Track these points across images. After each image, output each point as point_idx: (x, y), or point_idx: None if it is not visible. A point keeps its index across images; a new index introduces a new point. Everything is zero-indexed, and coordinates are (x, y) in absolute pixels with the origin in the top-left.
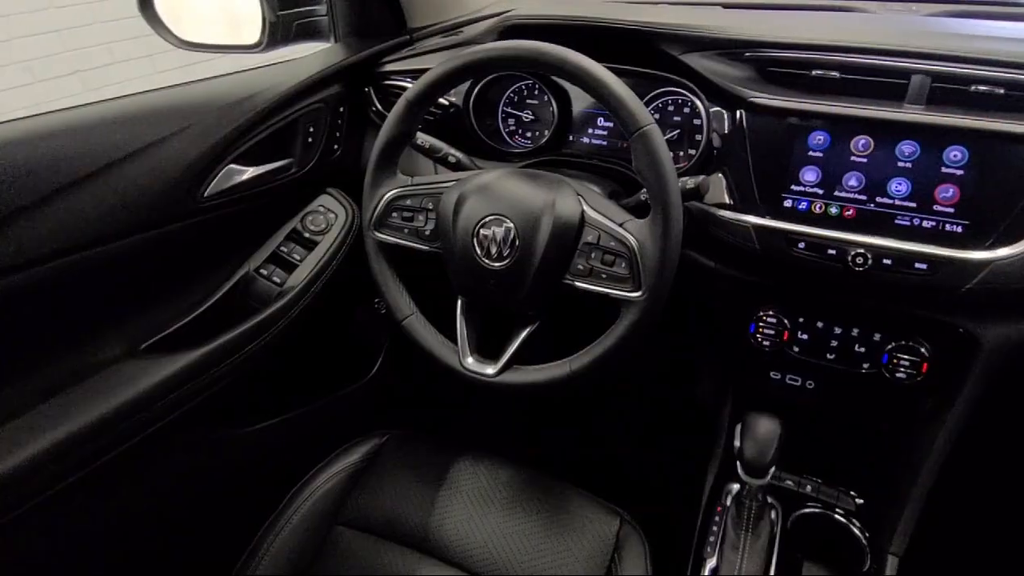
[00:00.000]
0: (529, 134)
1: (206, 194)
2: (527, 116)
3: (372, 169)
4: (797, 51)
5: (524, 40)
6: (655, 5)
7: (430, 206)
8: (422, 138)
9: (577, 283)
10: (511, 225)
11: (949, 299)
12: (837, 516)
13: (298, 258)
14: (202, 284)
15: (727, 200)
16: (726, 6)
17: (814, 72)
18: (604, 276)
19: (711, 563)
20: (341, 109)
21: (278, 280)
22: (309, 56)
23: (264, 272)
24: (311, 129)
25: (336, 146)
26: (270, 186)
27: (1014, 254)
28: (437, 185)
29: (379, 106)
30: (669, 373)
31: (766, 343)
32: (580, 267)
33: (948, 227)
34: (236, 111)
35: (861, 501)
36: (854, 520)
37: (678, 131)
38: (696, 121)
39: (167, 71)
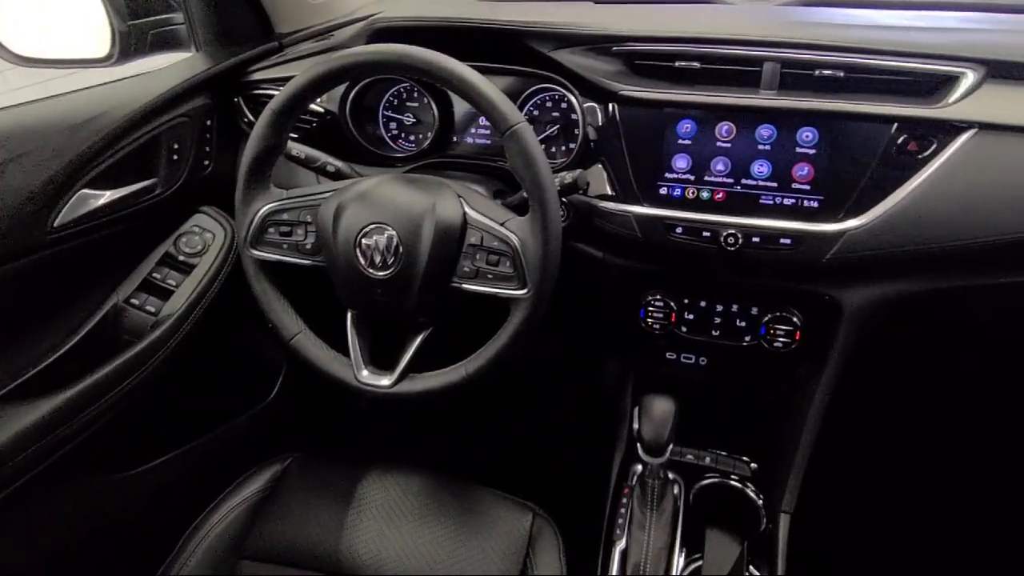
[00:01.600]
0: (412, 137)
1: (56, 223)
2: (408, 119)
3: (242, 184)
4: (661, 44)
5: (389, 44)
6: (526, 3)
7: (308, 219)
8: (297, 148)
9: (465, 285)
10: (393, 232)
11: (812, 270)
12: (733, 483)
13: (173, 284)
14: (64, 321)
15: (608, 191)
16: (597, 1)
17: (677, 64)
18: (490, 276)
19: (620, 544)
20: (209, 122)
21: (152, 309)
22: (167, 68)
23: (135, 302)
24: (175, 145)
25: (207, 162)
26: (133, 209)
27: (863, 224)
28: (314, 196)
29: (250, 117)
30: (574, 362)
31: (656, 326)
32: (466, 269)
33: (806, 203)
34: (86, 131)
35: (755, 466)
36: (749, 485)
37: (557, 127)
38: (573, 116)
39: (23, 88)
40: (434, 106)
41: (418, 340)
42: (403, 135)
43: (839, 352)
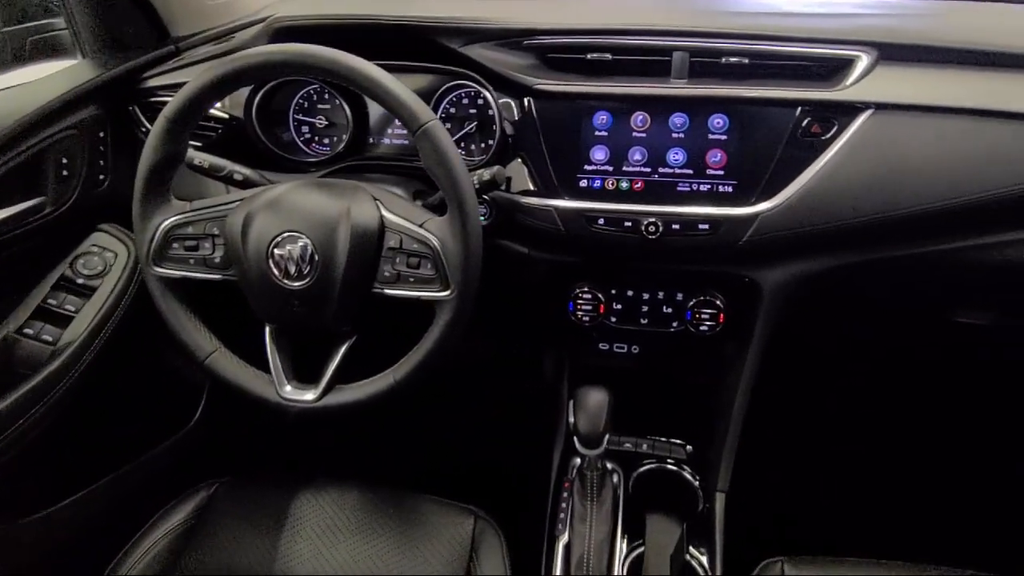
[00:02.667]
0: (326, 141)
1: None
2: (321, 122)
3: (139, 198)
4: (572, 36)
5: (288, 43)
6: None
7: (215, 231)
8: (199, 157)
9: (386, 291)
10: (307, 240)
11: (731, 253)
12: (670, 467)
13: (73, 309)
14: None
15: (530, 186)
16: None
17: (589, 56)
18: (412, 280)
19: (563, 539)
20: (101, 134)
21: (50, 338)
22: (49, 77)
23: (29, 331)
24: (64, 160)
25: (102, 176)
26: (20, 231)
27: (775, 206)
28: (220, 207)
29: (148, 126)
30: (509, 359)
31: (586, 318)
32: (387, 274)
33: (721, 188)
34: None
35: (691, 449)
36: (685, 467)
37: (474, 124)
38: (489, 112)
39: None
40: (347, 107)
41: (342, 350)
42: (316, 139)
43: (761, 331)
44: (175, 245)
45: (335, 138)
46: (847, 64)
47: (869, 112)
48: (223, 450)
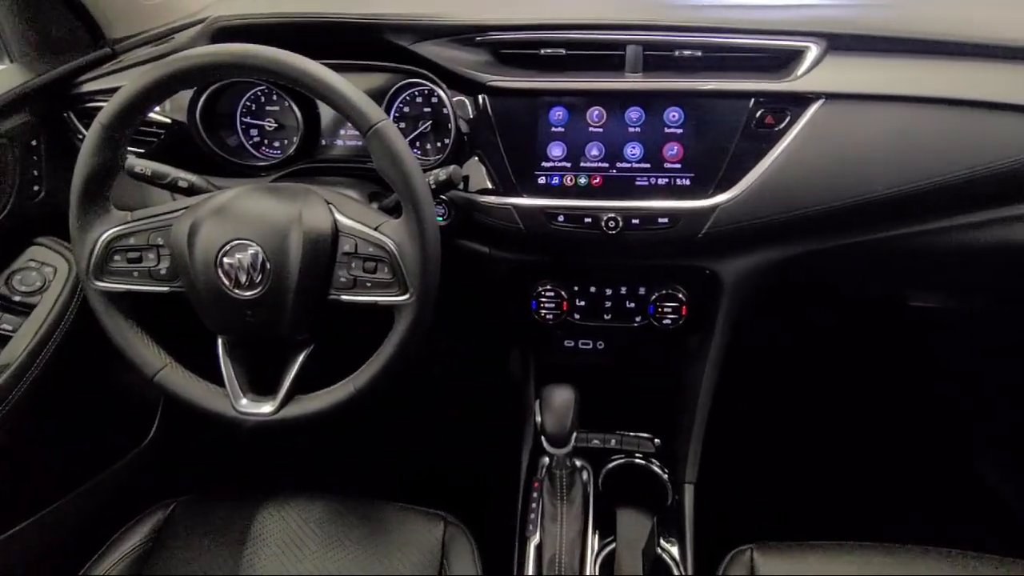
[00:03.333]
0: (276, 144)
1: None
2: (270, 125)
3: (76, 209)
4: (525, 32)
5: (228, 44)
6: None
7: (160, 241)
8: (140, 164)
9: (343, 297)
10: (257, 248)
11: (691, 245)
12: (639, 461)
13: (10, 328)
14: None
15: (488, 185)
16: None
17: (543, 51)
18: (369, 284)
19: (534, 540)
20: (34, 142)
21: None
22: None
23: None
24: None
25: (36, 187)
26: None
27: (732, 197)
28: (164, 216)
29: (85, 132)
30: (476, 360)
31: (549, 316)
32: (343, 279)
33: (678, 181)
34: None
35: (659, 442)
36: (654, 461)
37: (428, 123)
38: (444, 111)
39: None
40: (296, 109)
41: (300, 359)
42: (266, 142)
43: (723, 322)
44: (117, 257)
45: (285, 141)
46: (797, 55)
47: (820, 102)
48: (181, 467)
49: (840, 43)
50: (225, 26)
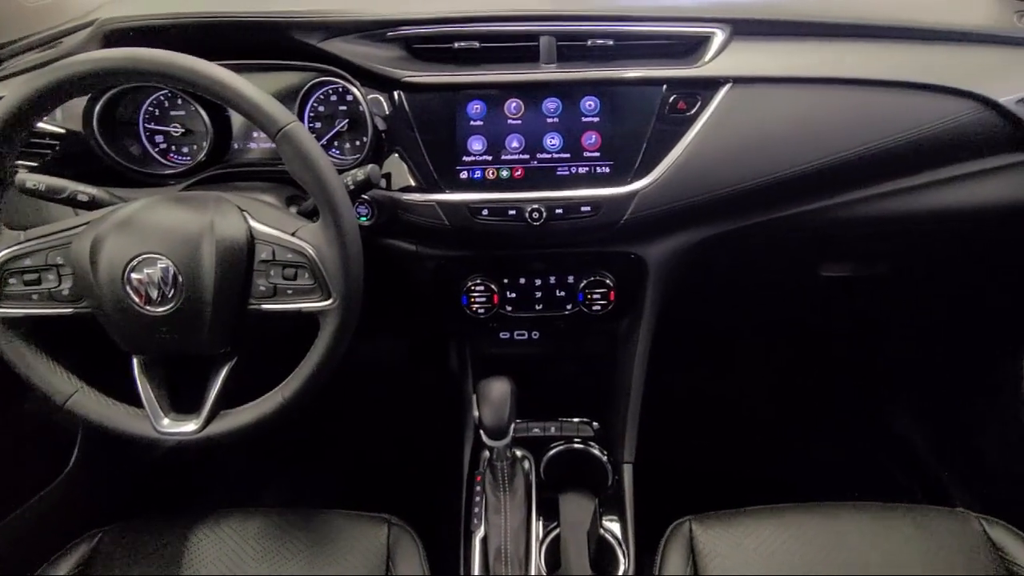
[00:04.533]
0: (185, 150)
1: None
2: (176, 130)
3: None
4: (436, 25)
5: (117, 48)
6: None
7: (60, 260)
8: (33, 179)
9: (264, 306)
10: (167, 262)
11: (614, 231)
12: (578, 446)
13: None
14: None
15: (410, 182)
16: None
17: (457, 44)
18: (290, 292)
19: (479, 533)
20: None
21: None
22: None
23: None
24: None
25: None
26: None
27: (650, 183)
28: (62, 234)
29: None
30: (416, 357)
31: (481, 310)
32: (262, 288)
33: (598, 170)
34: None
35: (597, 425)
36: (592, 444)
37: (345, 121)
38: (360, 109)
39: None
40: (203, 113)
41: (223, 374)
42: (173, 148)
43: (650, 304)
44: (12, 280)
45: (194, 146)
46: (704, 41)
47: (728, 86)
48: (106, 496)
49: (744, 28)
50: (117, 28)
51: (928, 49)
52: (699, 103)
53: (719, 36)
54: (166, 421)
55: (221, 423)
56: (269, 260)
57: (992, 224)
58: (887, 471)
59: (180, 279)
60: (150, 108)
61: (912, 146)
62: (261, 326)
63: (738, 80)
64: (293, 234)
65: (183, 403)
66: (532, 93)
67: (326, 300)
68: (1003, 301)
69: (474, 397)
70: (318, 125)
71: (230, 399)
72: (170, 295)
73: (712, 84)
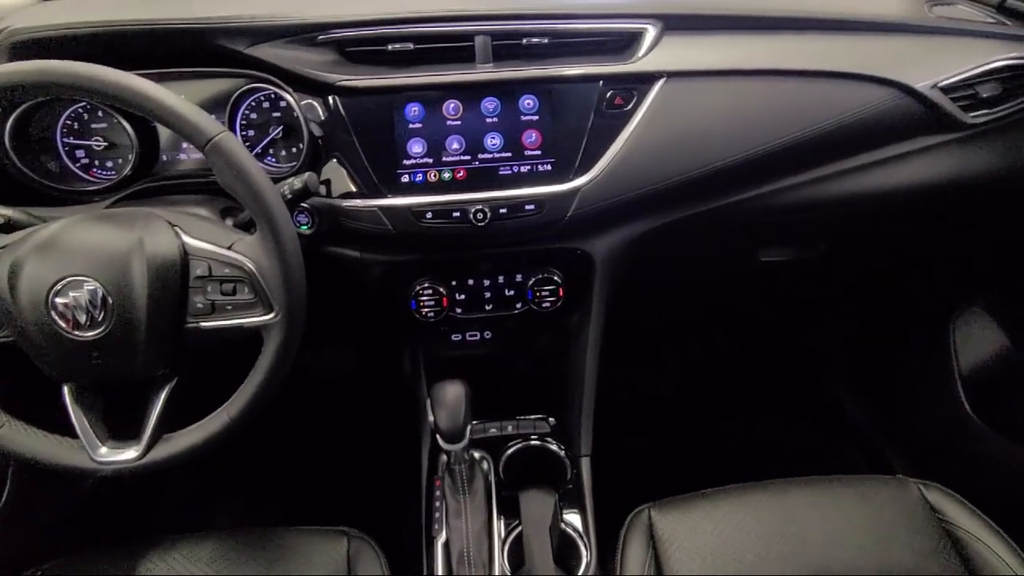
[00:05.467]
0: (110, 164)
1: None
2: (98, 144)
3: None
4: (369, 28)
5: (27, 62)
6: None
7: None
8: None
9: (203, 324)
10: (95, 284)
11: (559, 229)
12: (535, 442)
13: None
14: None
15: (351, 188)
16: None
17: (391, 47)
18: (230, 308)
19: (441, 538)
20: None
21: None
22: None
23: None
24: None
25: None
26: None
27: (592, 179)
28: None
29: None
30: (370, 363)
31: (431, 314)
32: (200, 305)
33: (540, 168)
34: None
35: (553, 421)
36: (550, 440)
37: (280, 128)
38: (295, 115)
39: None
40: (127, 125)
41: (162, 396)
42: (96, 163)
43: (598, 298)
44: None
45: (119, 160)
46: (637, 37)
47: (662, 81)
48: (45, 532)
49: (674, 23)
50: (24, 40)
51: (850, 40)
52: (635, 98)
53: (651, 31)
54: (104, 450)
55: (164, 448)
56: (205, 276)
57: (916, 203)
58: (833, 446)
59: (110, 301)
60: (68, 121)
61: (839, 132)
62: (201, 344)
63: (671, 74)
64: (229, 248)
65: (122, 429)
66: (470, 93)
67: (268, 314)
68: (930, 275)
69: (428, 401)
70: (251, 133)
71: (173, 422)
72: (100, 318)
73: (647, 79)
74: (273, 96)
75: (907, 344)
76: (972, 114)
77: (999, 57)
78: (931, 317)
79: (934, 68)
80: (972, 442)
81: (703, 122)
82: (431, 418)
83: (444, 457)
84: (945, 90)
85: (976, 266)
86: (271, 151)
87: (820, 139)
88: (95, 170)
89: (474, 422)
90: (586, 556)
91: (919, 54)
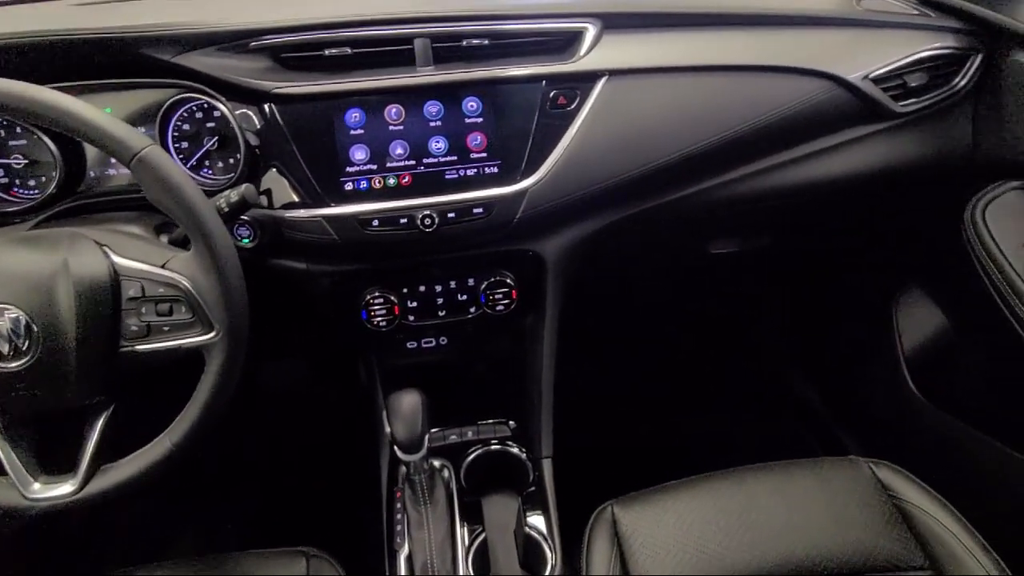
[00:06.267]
0: (32, 183)
1: None
2: (18, 162)
3: None
4: (303, 33)
5: None
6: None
7: None
8: None
9: (139, 347)
10: (17, 311)
11: (509, 231)
12: (495, 447)
13: None
14: None
15: (294, 198)
16: None
17: (327, 52)
18: (167, 328)
19: (404, 551)
20: None
21: None
22: None
23: None
24: None
25: None
26: None
27: (539, 179)
28: None
29: None
30: (325, 376)
31: (383, 323)
32: (134, 328)
33: (487, 170)
34: None
35: (513, 424)
36: (510, 443)
37: (215, 138)
38: (231, 125)
39: None
40: (48, 142)
41: (99, 425)
42: (16, 183)
43: (552, 299)
44: None
45: (42, 178)
46: (578, 36)
47: (604, 79)
48: None
49: (614, 21)
50: None
51: (785, 34)
52: (579, 97)
53: (591, 30)
54: (36, 486)
55: (103, 479)
56: (138, 297)
57: (852, 191)
58: (790, 431)
59: (35, 329)
60: None
61: (778, 125)
62: (138, 369)
63: (613, 72)
64: (163, 266)
65: (57, 463)
66: (412, 97)
67: (208, 333)
68: (870, 260)
69: (383, 414)
70: (185, 145)
71: (113, 451)
72: (24, 348)
73: (589, 77)
74: (206, 106)
75: (853, 327)
76: (901, 103)
77: (924, 48)
78: (874, 300)
79: (864, 60)
80: (917, 419)
81: (647, 119)
82: (388, 429)
83: (403, 468)
84: (875, 81)
85: (912, 249)
86: (207, 163)
87: (760, 132)
88: (16, 189)
89: (433, 429)
90: (551, 559)
91: (850, 47)
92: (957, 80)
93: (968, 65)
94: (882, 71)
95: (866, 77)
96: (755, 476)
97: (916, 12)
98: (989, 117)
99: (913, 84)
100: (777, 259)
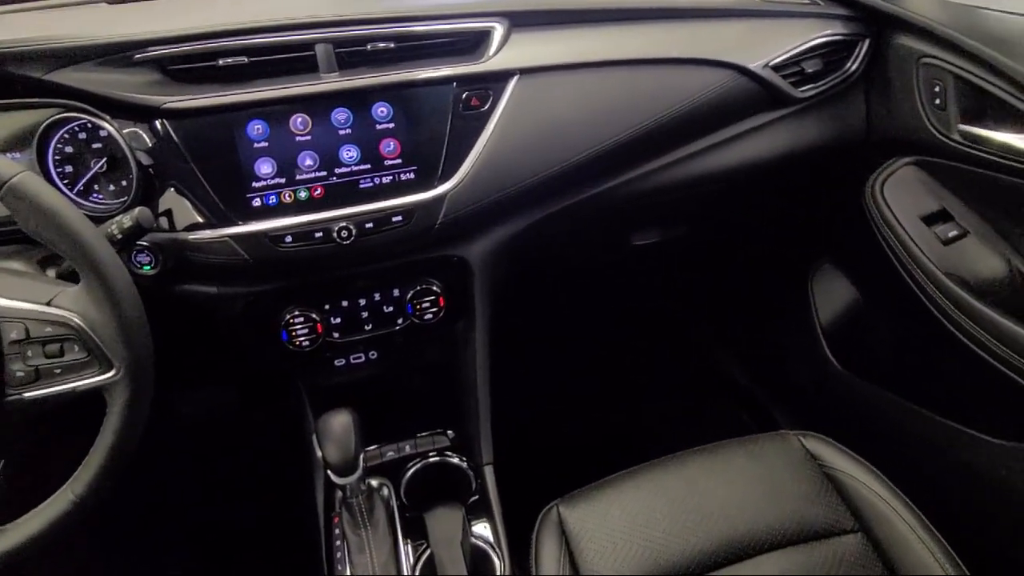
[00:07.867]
0: None
1: None
2: None
3: None
4: (192, 43)
5: None
6: (13, 14)
7: None
8: None
9: (26, 395)
10: None
11: (431, 237)
12: (434, 459)
13: None
14: None
15: (197, 218)
16: (111, 2)
17: (221, 62)
18: (59, 371)
19: None
20: None
21: None
22: None
23: None
24: None
25: None
26: None
27: (458, 183)
28: None
29: None
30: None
31: (305, 342)
32: (20, 374)
33: (403, 177)
34: None
35: (452, 433)
36: (449, 453)
37: (104, 160)
38: (119, 144)
39: None
40: None
41: None
42: None
43: (480, 304)
44: None
45: None
46: (485, 36)
47: (516, 78)
48: None
49: (521, 20)
50: None
51: (689, 27)
52: (491, 97)
53: (499, 30)
54: None
55: (3, 541)
56: (22, 340)
57: (760, 175)
58: (725, 412)
59: None
60: None
61: (688, 116)
62: (29, 418)
63: (524, 71)
64: (48, 303)
65: None
66: (317, 105)
67: (107, 372)
68: (786, 238)
69: (313, 437)
70: (69, 169)
71: (10, 510)
72: None
73: (500, 77)
74: (89, 125)
75: (774, 305)
76: (800, 89)
77: (816, 35)
78: (792, 278)
79: (764, 49)
80: (838, 389)
81: (561, 116)
82: (319, 453)
83: (339, 492)
84: (775, 68)
85: (821, 226)
86: (96, 187)
87: (672, 122)
88: None
89: (369, 447)
90: (499, 566)
91: (750, 37)
92: (848, 65)
93: (857, 50)
94: (780, 59)
95: (766, 65)
96: (693, 459)
97: (809, 1)
98: (879, 98)
99: (810, 70)
100: (697, 246)
